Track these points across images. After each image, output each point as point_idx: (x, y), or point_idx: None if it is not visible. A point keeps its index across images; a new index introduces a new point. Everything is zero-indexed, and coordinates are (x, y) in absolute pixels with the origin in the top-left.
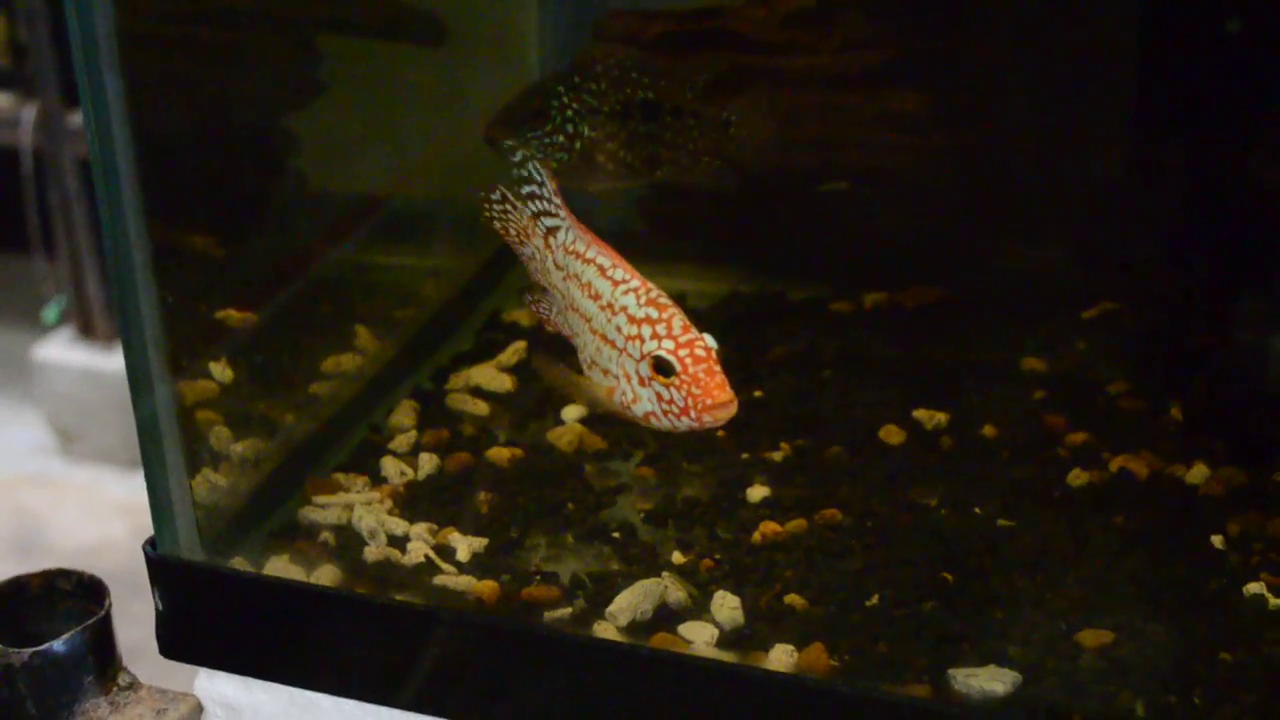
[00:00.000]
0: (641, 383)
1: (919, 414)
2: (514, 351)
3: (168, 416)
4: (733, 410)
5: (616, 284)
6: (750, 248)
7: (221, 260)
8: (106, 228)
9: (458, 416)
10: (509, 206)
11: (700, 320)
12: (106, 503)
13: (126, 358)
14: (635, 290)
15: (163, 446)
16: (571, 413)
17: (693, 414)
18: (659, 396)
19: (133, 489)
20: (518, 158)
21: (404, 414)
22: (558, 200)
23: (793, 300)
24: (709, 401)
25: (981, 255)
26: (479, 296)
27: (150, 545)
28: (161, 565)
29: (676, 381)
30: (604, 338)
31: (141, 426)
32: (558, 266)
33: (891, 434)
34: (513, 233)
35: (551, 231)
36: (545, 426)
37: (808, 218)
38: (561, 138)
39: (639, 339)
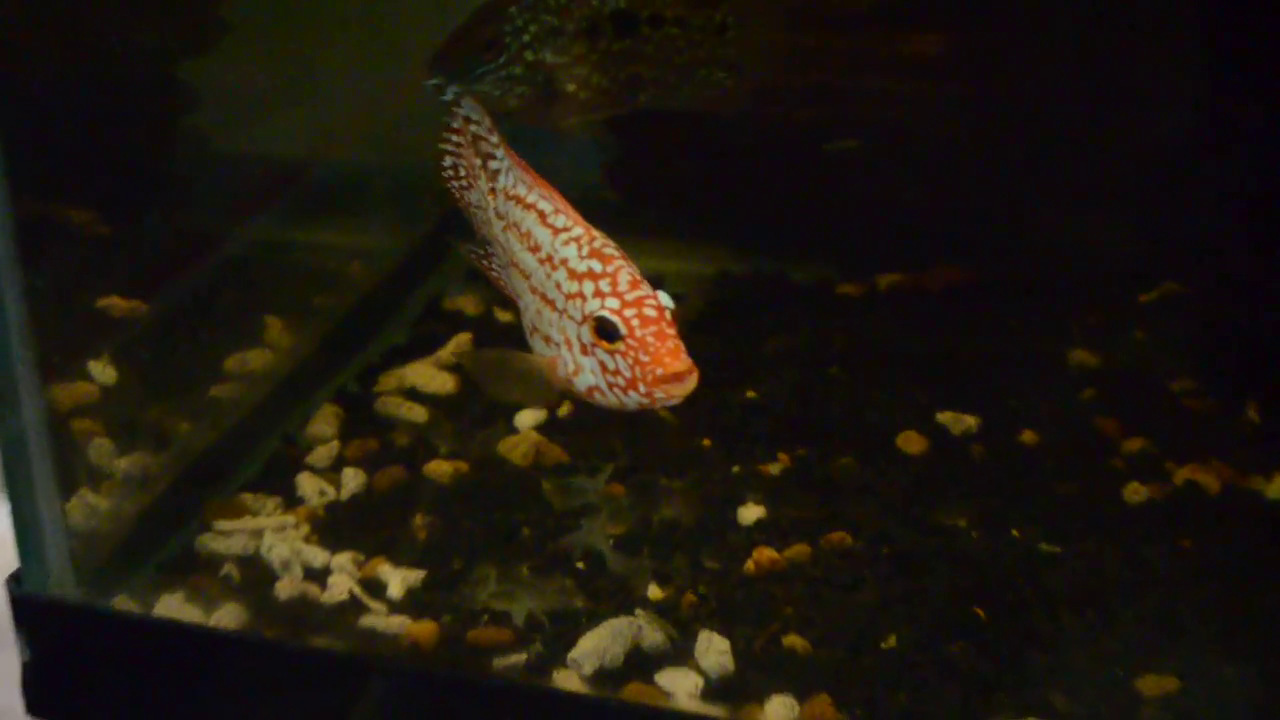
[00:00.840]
0: (584, 350)
1: (944, 417)
2: (456, 346)
3: (37, 426)
4: (691, 383)
5: (557, 232)
6: (742, 220)
7: (103, 239)
8: None
9: (389, 424)
10: (463, 141)
11: (682, 307)
12: None
13: None
14: (578, 240)
15: (30, 461)
16: (526, 419)
17: (642, 387)
18: (603, 366)
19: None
20: (448, 95)
21: (324, 421)
22: (495, 138)
23: (793, 282)
24: (660, 371)
25: (1018, 228)
26: (415, 280)
27: (14, 581)
28: (28, 605)
29: (622, 347)
30: (544, 298)
31: (4, 438)
32: (499, 216)
33: (911, 441)
34: (462, 173)
35: (493, 175)
36: (495, 435)
37: (810, 183)
38: (519, 69)
39: (580, 297)
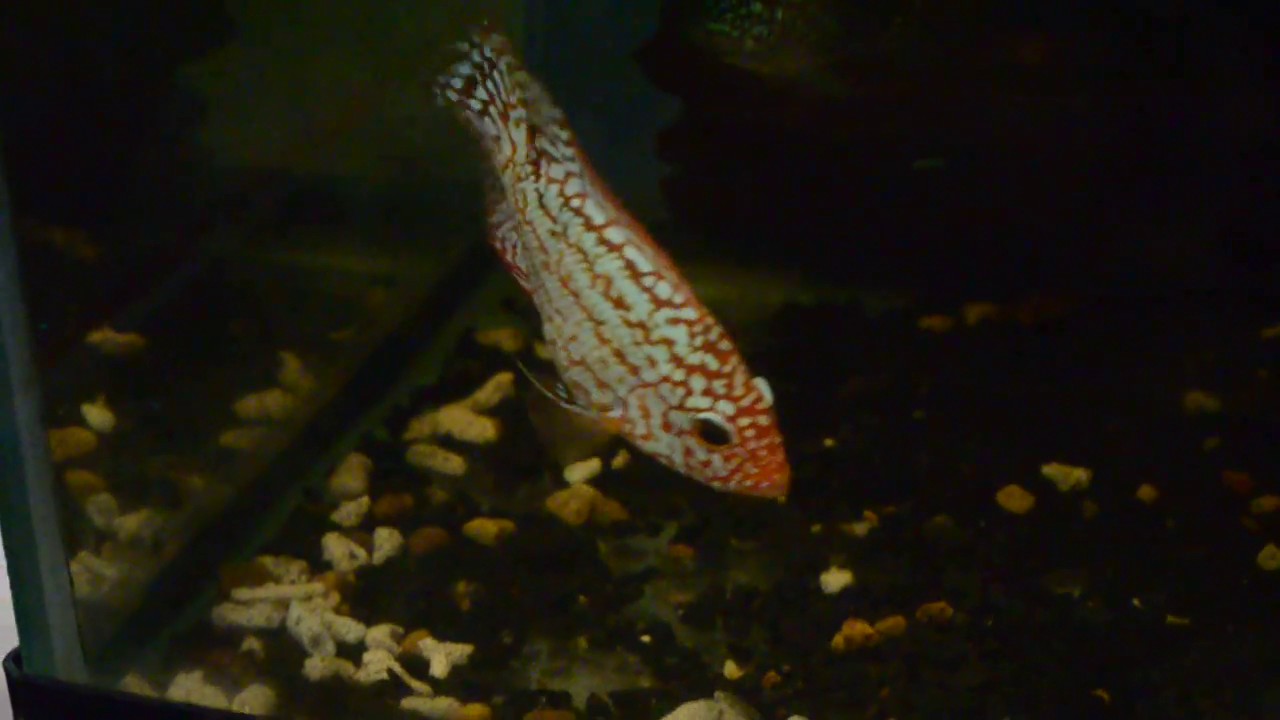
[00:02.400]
0: (667, 428)
1: (1050, 470)
2: (496, 387)
3: (40, 485)
4: (786, 489)
5: (660, 305)
6: (812, 243)
7: (94, 265)
8: None
9: (424, 476)
10: (494, 85)
11: (741, 342)
12: None
13: None
14: (690, 325)
15: (32, 528)
16: (578, 472)
17: (733, 484)
18: (688, 451)
19: None
20: (503, 62)
21: (350, 474)
22: (567, 134)
23: (871, 314)
24: (765, 485)
25: (1124, 252)
26: (447, 311)
27: (14, 662)
28: (30, 689)
29: (727, 451)
30: (618, 354)
31: (4, 503)
32: (547, 214)
33: (1014, 498)
34: (487, 128)
35: (545, 156)
36: (543, 490)
37: (890, 203)
38: (758, 5)
39: (685, 389)
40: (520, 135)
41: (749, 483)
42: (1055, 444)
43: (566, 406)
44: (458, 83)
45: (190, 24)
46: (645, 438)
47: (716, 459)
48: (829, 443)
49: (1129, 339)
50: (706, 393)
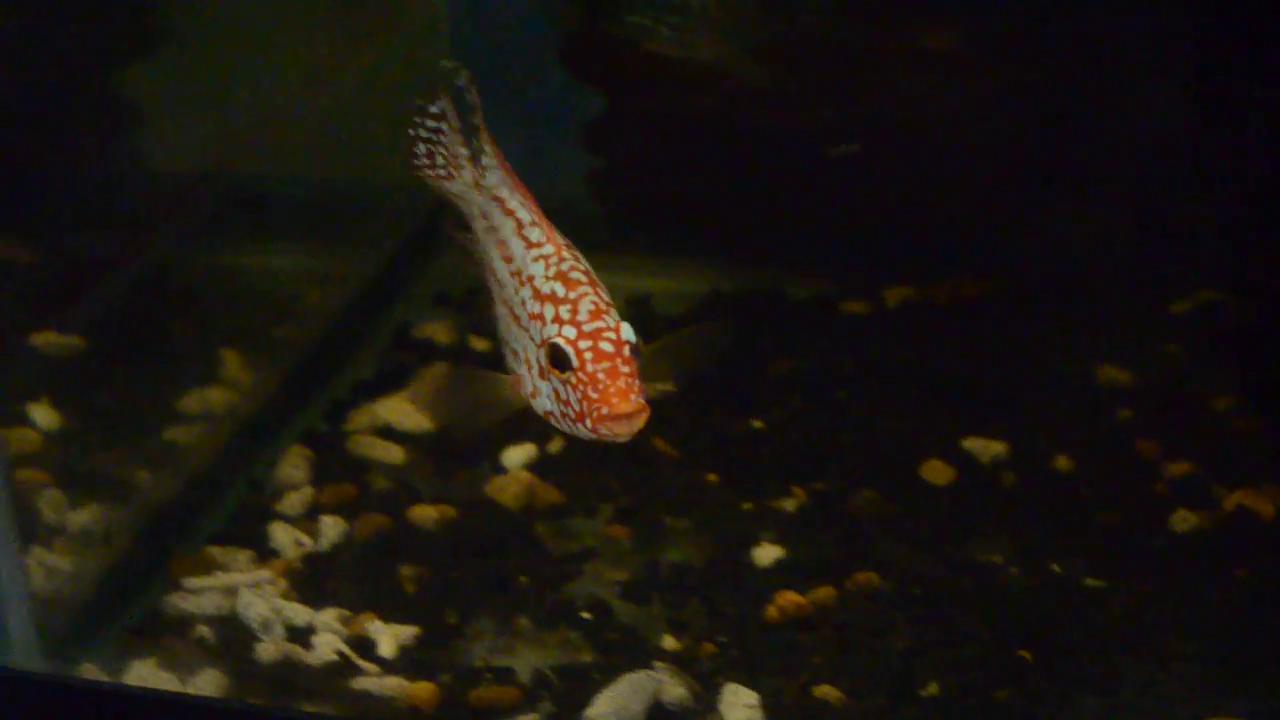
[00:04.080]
0: (542, 374)
1: (970, 444)
2: (432, 378)
3: None
4: (636, 424)
5: (530, 246)
6: (734, 232)
7: (31, 266)
8: None
9: (364, 466)
10: (443, 126)
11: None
12: None
13: None
14: (546, 258)
15: None
16: (515, 457)
17: (588, 421)
18: (556, 394)
19: None
20: (460, 80)
21: (293, 465)
22: (487, 135)
23: (793, 299)
24: (604, 410)
25: (1036, 234)
26: (382, 306)
27: None
28: None
29: (573, 379)
30: (512, 311)
31: None
32: (482, 214)
33: (936, 471)
34: (439, 161)
35: (481, 169)
36: (482, 475)
37: (809, 190)
38: None
39: (540, 319)
40: (473, 179)
41: (594, 412)
42: (974, 419)
43: (484, 371)
44: (422, 156)
45: (122, 29)
46: (534, 395)
47: (570, 390)
48: (757, 424)
49: (1041, 318)
50: (555, 319)
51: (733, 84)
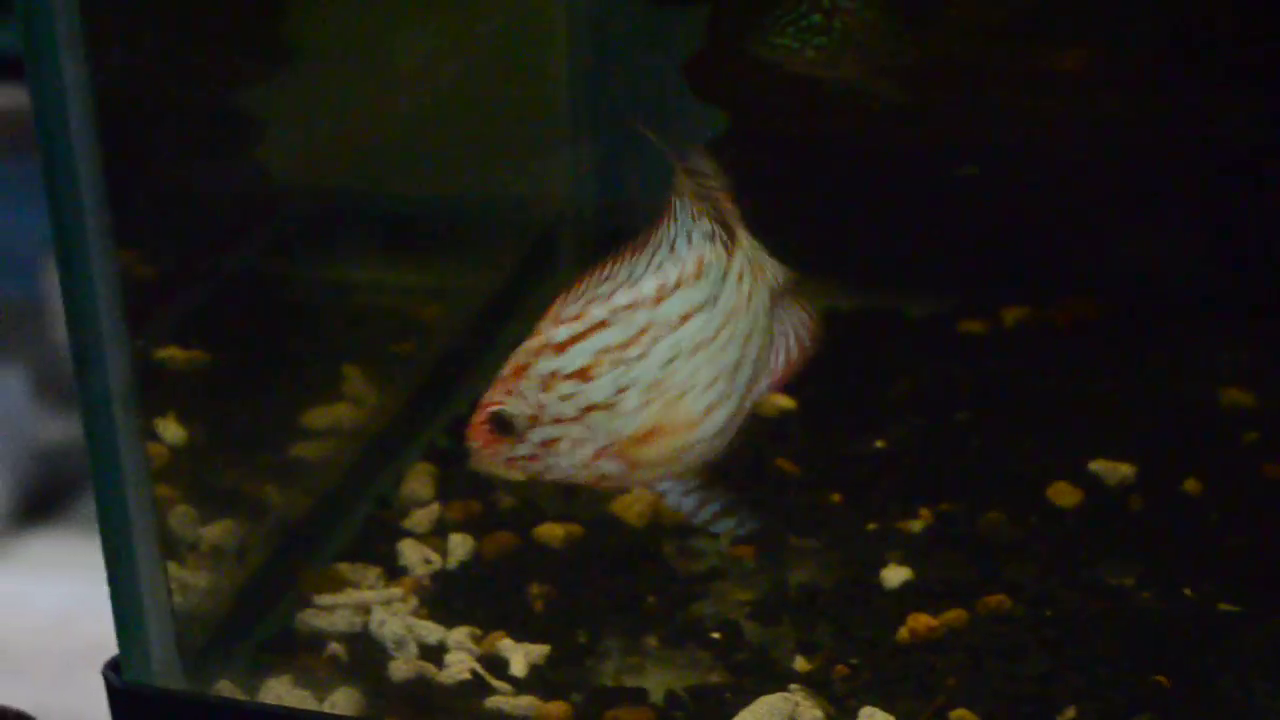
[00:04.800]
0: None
1: (1097, 466)
2: None
3: (139, 496)
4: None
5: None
6: (851, 250)
7: (156, 282)
8: (62, 253)
9: (488, 482)
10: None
11: None
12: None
13: (86, 420)
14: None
15: (131, 537)
16: None
17: None
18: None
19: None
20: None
21: (419, 481)
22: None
23: (909, 319)
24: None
25: (1152, 252)
26: (499, 322)
27: (113, 670)
28: (130, 697)
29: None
30: None
31: (103, 512)
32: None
33: (1063, 493)
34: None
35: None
36: (605, 493)
37: (928, 209)
38: (818, 16)
39: None
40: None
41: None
42: (1098, 441)
43: None
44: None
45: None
46: None
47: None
48: (880, 443)
49: (1161, 339)
50: None
51: (866, 104)
